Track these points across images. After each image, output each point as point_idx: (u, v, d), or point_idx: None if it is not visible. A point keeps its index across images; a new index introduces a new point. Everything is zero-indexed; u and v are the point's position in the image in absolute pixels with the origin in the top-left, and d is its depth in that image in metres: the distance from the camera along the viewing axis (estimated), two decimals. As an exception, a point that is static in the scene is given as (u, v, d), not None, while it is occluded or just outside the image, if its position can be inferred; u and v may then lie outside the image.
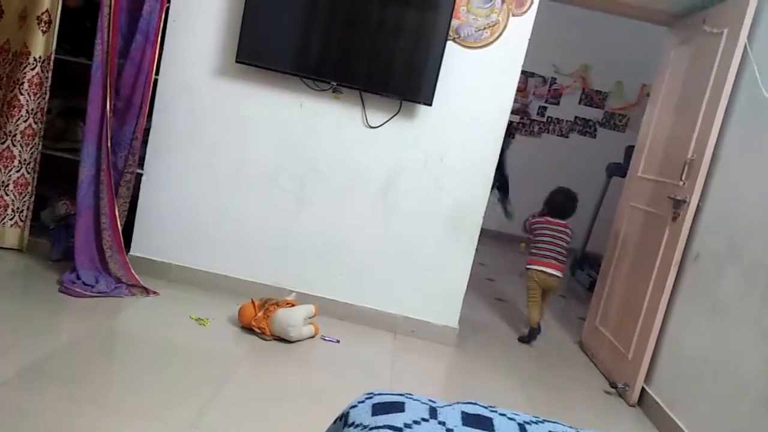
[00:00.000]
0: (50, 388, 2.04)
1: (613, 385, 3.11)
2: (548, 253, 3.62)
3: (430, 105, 3.00)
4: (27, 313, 2.56)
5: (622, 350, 3.16)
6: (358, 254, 3.20)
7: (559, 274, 3.63)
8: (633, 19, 3.73)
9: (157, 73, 3.06)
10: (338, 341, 2.94)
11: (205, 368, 2.42)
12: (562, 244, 3.64)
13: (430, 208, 3.15)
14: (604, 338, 3.43)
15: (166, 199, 3.21)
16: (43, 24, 3.00)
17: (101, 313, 2.72)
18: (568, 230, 3.67)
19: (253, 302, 2.85)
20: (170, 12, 3.05)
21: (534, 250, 3.69)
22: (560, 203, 3.75)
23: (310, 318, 2.90)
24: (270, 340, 2.78)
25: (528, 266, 3.69)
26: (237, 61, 3.01)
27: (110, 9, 2.89)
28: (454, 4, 2.92)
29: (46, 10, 3.00)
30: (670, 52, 3.51)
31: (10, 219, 3.15)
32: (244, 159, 3.17)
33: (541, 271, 3.61)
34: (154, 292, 3.02)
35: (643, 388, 2.94)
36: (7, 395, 1.95)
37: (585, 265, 5.59)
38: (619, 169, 5.27)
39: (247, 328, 2.82)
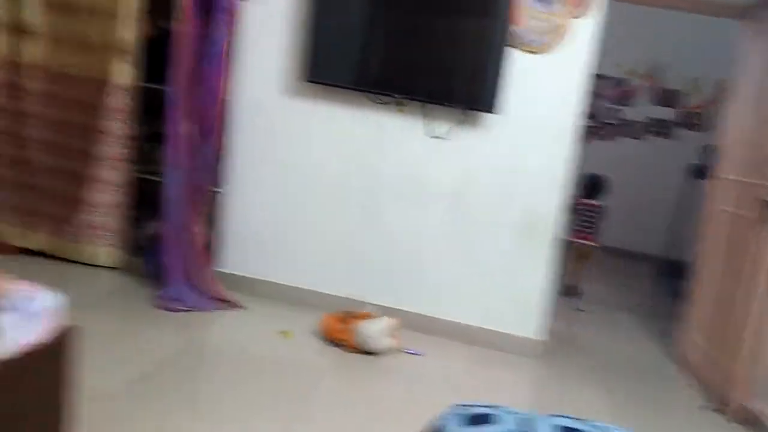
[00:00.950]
0: (152, 399, 2.17)
1: (711, 401, 2.96)
2: (583, 228, 4.39)
3: (496, 113, 2.99)
4: (127, 328, 2.73)
5: (721, 363, 3.00)
6: (432, 266, 3.22)
7: (593, 243, 4.42)
8: (701, 15, 3.60)
9: (229, 95, 3.20)
10: (421, 354, 2.96)
11: (291, 380, 2.50)
12: (593, 220, 4.40)
13: (502, 216, 3.13)
14: (699, 350, 3.28)
15: (245, 215, 3.34)
16: (125, 54, 3.21)
17: (193, 327, 2.86)
18: (598, 208, 4.42)
19: (335, 315, 2.92)
20: (238, 36, 3.18)
21: (574, 227, 4.36)
22: (588, 185, 4.48)
23: (391, 330, 2.93)
24: (353, 352, 2.84)
25: (571, 239, 4.32)
26: (302, 80, 3.12)
27: (183, 37, 3.04)
28: (511, 10, 2.91)
29: (128, 42, 3.20)
30: (745, 45, 3.36)
31: (106, 239, 3.36)
32: (315, 174, 3.26)
33: (579, 242, 4.39)
34: (241, 307, 3.14)
35: (745, 405, 2.78)
36: (115, 407, 2.08)
37: (669, 273, 5.36)
38: (701, 170, 5.05)
39: (330, 341, 2.89)
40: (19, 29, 3.27)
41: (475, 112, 3.05)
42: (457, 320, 3.22)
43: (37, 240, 3.39)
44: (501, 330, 3.19)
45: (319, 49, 3.07)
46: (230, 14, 3.05)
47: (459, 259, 3.20)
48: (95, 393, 2.06)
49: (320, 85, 3.14)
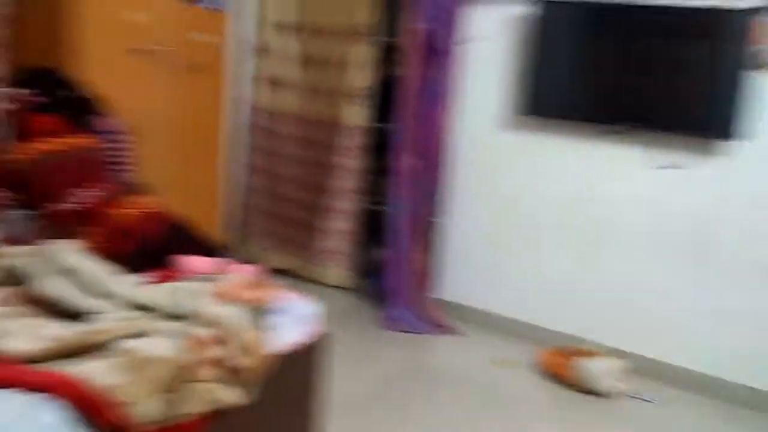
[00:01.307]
0: (380, 413, 2.32)
1: None
2: None
3: (738, 140, 2.69)
4: (356, 344, 2.96)
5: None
6: (661, 305, 2.96)
7: None
8: None
9: (450, 131, 3.35)
10: (651, 401, 2.74)
11: (509, 410, 2.50)
12: None
13: (747, 254, 2.78)
14: None
15: (466, 246, 3.43)
16: (359, 98, 3.55)
17: (415, 349, 3.01)
18: None
19: (557, 350, 2.84)
20: (459, 75, 3.32)
21: None
22: None
23: (618, 371, 2.75)
24: (574, 390, 2.72)
25: None
26: (521, 114, 3.14)
27: (408, 80, 3.27)
28: (749, 30, 2.62)
29: (362, 86, 3.53)
30: None
31: (339, 262, 3.71)
32: (534, 207, 3.24)
33: None
34: (459, 333, 3.22)
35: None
36: (348, 415, 2.26)
37: None
38: None
39: (550, 375, 2.81)
40: (277, 83, 3.82)
41: (712, 140, 2.78)
42: (692, 368, 2.90)
43: (283, 261, 3.86)
44: (744, 383, 2.80)
45: (539, 82, 3.08)
46: (450, 56, 3.21)
47: (694, 300, 2.89)
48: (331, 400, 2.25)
49: (539, 118, 3.15)
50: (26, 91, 2.18)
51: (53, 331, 1.33)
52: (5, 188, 1.97)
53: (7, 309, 1.41)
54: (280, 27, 3.77)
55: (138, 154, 2.63)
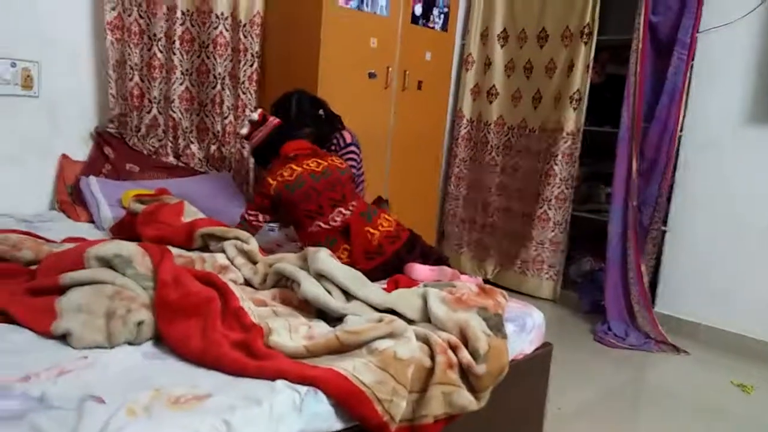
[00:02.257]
0: (598, 428, 2.21)
1: None
2: None
3: None
4: (570, 358, 2.84)
5: None
6: None
7: None
8: None
9: (680, 130, 3.10)
10: None
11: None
12: None
13: None
14: None
15: (692, 255, 3.14)
16: (574, 102, 3.44)
17: (634, 366, 2.82)
18: None
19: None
20: (694, 69, 3.06)
21: None
22: None
23: None
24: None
25: None
26: None
27: (635, 78, 3.10)
28: None
29: (577, 90, 3.42)
30: None
31: (546, 273, 3.62)
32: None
33: None
34: (685, 352, 2.96)
35: None
36: (565, 427, 2.20)
37: None
38: None
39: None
40: (481, 91, 3.88)
41: None
42: None
43: (486, 270, 3.88)
44: None
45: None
46: (685, 48, 2.98)
47: None
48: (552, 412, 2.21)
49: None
50: (274, 119, 2.38)
51: (312, 330, 1.50)
52: (262, 212, 2.20)
53: (273, 308, 1.61)
54: (487, 37, 3.82)
55: (370, 168, 2.85)
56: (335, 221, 2.12)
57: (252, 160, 3.07)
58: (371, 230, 2.11)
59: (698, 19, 2.98)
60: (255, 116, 2.34)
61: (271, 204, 2.18)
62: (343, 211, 2.13)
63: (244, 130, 2.36)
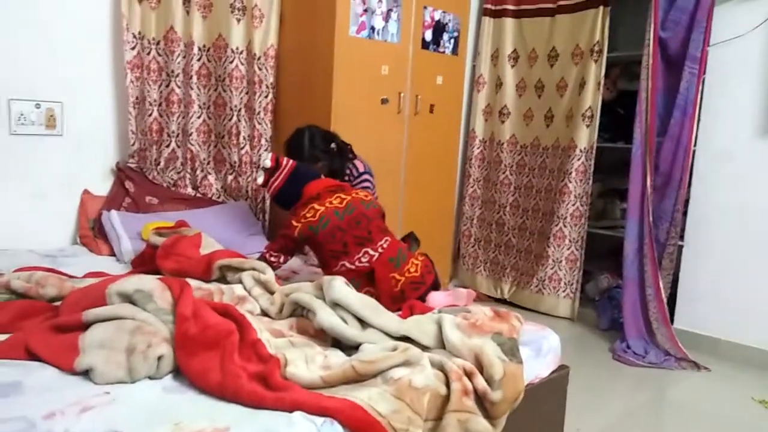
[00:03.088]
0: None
1: None
2: None
3: None
4: (587, 377, 2.83)
5: None
6: None
7: None
8: None
9: (694, 145, 3.09)
10: None
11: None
12: None
13: None
14: None
15: (710, 270, 3.12)
16: (586, 119, 3.45)
17: (655, 384, 2.79)
18: None
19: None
20: (706, 83, 3.06)
21: None
22: None
23: None
24: None
25: None
26: None
27: (647, 93, 3.11)
28: None
29: (589, 107, 3.44)
30: None
31: (563, 291, 3.61)
32: (802, 224, 2.84)
33: None
34: (705, 368, 2.92)
35: None
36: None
37: None
38: None
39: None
40: (493, 112, 3.92)
41: None
42: None
43: (503, 290, 3.88)
44: None
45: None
46: (696, 63, 2.98)
47: None
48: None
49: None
50: (288, 161, 2.32)
51: (328, 360, 1.52)
52: (284, 253, 2.21)
53: (290, 338, 1.64)
54: (497, 58, 3.87)
55: (384, 192, 2.87)
56: (361, 262, 2.09)
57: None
58: (397, 276, 2.07)
59: (708, 33, 2.98)
60: (267, 162, 2.28)
61: (295, 246, 2.19)
62: (370, 251, 2.09)
63: (260, 180, 2.30)
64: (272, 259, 2.20)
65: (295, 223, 2.14)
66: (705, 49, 2.99)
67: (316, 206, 2.13)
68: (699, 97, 3.03)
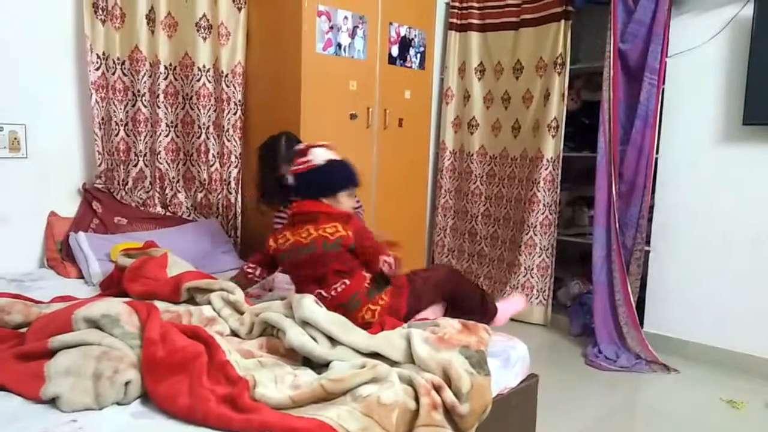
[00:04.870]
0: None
1: None
2: None
3: None
4: (561, 383, 2.87)
5: None
6: None
7: None
8: None
9: (656, 152, 3.17)
10: None
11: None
12: None
13: None
14: None
15: (676, 274, 3.19)
16: (551, 129, 3.52)
17: (626, 388, 2.84)
18: None
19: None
20: (665, 93, 3.15)
21: None
22: None
23: None
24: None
25: None
26: (744, 123, 2.87)
27: (609, 104, 3.19)
28: None
29: (554, 118, 3.51)
30: None
31: (536, 298, 3.66)
32: (763, 228, 2.92)
33: None
34: (675, 370, 2.99)
35: None
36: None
37: None
38: None
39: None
40: (462, 123, 3.98)
41: None
42: None
43: (477, 298, 3.92)
44: None
45: (758, 87, 2.82)
46: (655, 73, 3.06)
47: None
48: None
49: (759, 128, 2.87)
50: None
51: (297, 379, 1.53)
52: (262, 266, 2.19)
53: (259, 359, 1.64)
54: (464, 71, 3.93)
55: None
56: (336, 294, 2.00)
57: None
58: (350, 318, 1.88)
59: (666, 44, 3.07)
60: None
61: (272, 261, 2.17)
62: (323, 293, 1.98)
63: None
64: (248, 269, 2.20)
65: (271, 243, 2.12)
66: (663, 60, 3.08)
67: (288, 235, 2.07)
68: (659, 106, 3.12)
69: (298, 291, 2.11)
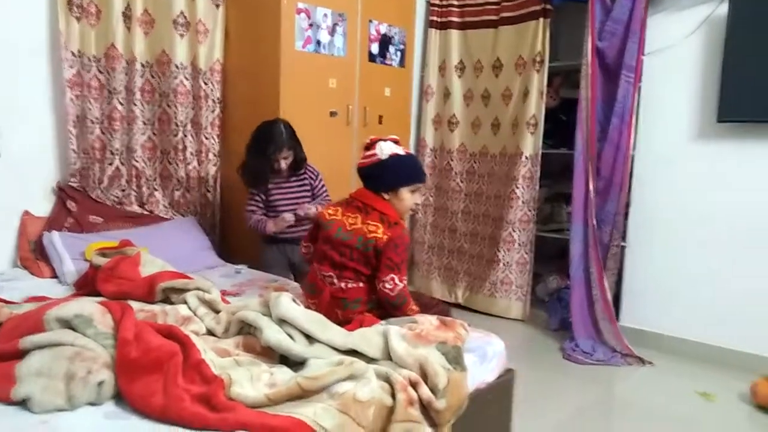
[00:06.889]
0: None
1: None
2: None
3: None
4: (539, 377, 2.90)
5: None
6: None
7: None
8: None
9: (633, 150, 3.21)
10: None
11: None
12: None
13: None
14: None
15: (651, 269, 3.24)
16: (530, 127, 3.55)
17: (603, 381, 2.88)
18: None
19: (769, 379, 2.56)
20: (642, 90, 3.19)
21: None
22: None
23: None
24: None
25: None
26: (719, 121, 2.92)
27: (587, 101, 3.22)
28: None
29: (533, 115, 3.53)
30: None
31: (514, 294, 3.69)
32: (735, 224, 2.97)
33: None
34: (650, 363, 3.03)
35: None
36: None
37: None
38: None
39: (764, 408, 2.54)
40: (441, 121, 3.99)
41: None
42: None
43: (457, 294, 3.94)
44: None
45: (734, 84, 2.87)
46: (632, 71, 3.10)
47: None
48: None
49: (733, 125, 2.92)
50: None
51: (274, 378, 1.53)
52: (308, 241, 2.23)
53: (235, 357, 1.64)
54: (444, 69, 3.94)
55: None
56: (322, 279, 2.06)
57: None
58: (339, 315, 1.98)
59: (642, 42, 3.11)
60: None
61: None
62: (334, 279, 2.01)
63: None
64: (304, 250, 2.23)
65: (324, 211, 2.11)
66: (640, 58, 3.11)
67: (339, 210, 2.07)
68: (636, 104, 3.15)
69: (312, 266, 2.13)
